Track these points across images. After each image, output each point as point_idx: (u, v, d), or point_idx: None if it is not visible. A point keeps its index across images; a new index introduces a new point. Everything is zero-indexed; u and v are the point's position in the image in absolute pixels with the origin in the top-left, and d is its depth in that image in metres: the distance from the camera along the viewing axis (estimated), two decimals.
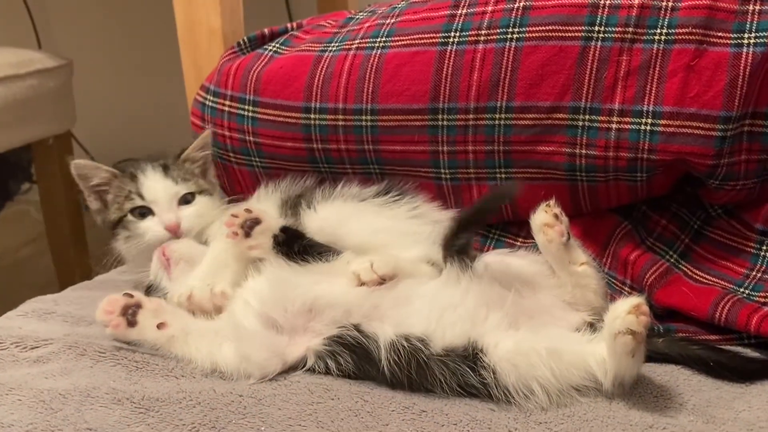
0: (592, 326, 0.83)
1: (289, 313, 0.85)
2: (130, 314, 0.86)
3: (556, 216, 0.84)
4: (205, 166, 1.07)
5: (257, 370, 0.82)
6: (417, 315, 0.82)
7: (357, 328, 0.82)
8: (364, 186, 1.00)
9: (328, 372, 0.83)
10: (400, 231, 0.93)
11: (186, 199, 1.01)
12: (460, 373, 0.78)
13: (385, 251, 0.88)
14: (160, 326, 0.85)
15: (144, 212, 1.00)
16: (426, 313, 0.82)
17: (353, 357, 0.82)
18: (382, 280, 0.84)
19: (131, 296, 0.87)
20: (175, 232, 0.98)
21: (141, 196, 1.00)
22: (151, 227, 0.99)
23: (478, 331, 0.81)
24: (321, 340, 0.83)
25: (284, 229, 0.89)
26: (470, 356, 0.79)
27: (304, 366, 0.84)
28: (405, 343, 0.80)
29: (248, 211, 0.89)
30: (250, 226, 0.88)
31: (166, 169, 1.02)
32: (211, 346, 0.85)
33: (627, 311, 0.73)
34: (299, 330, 0.85)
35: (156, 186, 1.00)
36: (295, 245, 0.88)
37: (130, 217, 1.00)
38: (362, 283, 0.83)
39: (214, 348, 0.84)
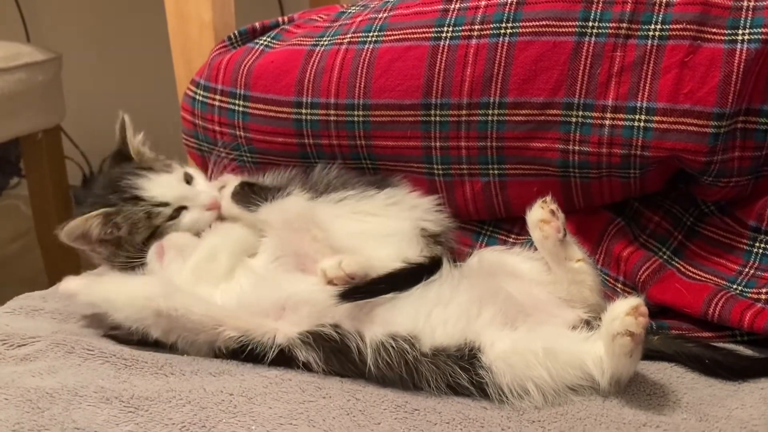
0: (588, 323, 0.83)
1: (260, 307, 0.85)
2: None
3: (552, 212, 0.84)
4: (146, 150, 1.03)
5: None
6: (403, 313, 0.81)
7: (336, 327, 0.81)
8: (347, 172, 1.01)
9: (307, 367, 0.83)
10: (374, 233, 0.93)
11: (186, 180, 0.98)
12: (450, 373, 0.78)
13: (359, 253, 0.87)
14: None
15: (174, 215, 0.94)
16: (413, 310, 0.81)
17: (329, 353, 0.81)
18: (351, 279, 0.82)
19: None
20: (218, 207, 0.95)
21: (164, 204, 0.94)
22: (197, 217, 0.94)
23: (474, 329, 0.80)
24: (298, 330, 0.83)
25: (241, 183, 0.95)
26: (466, 356, 0.78)
27: (271, 349, 0.83)
28: (392, 343, 0.79)
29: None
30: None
31: (146, 168, 0.97)
32: None
33: (626, 312, 0.72)
34: (270, 319, 0.85)
35: (163, 184, 0.95)
36: (247, 190, 0.93)
37: (165, 223, 0.94)
38: (330, 281, 0.83)
39: None
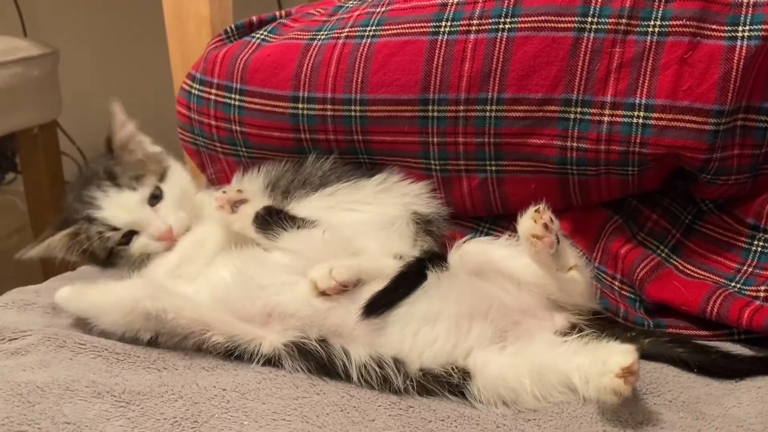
0: (579, 329, 0.81)
1: (248, 311, 0.84)
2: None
3: (545, 226, 0.78)
4: (140, 143, 1.00)
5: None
6: (389, 332, 0.79)
7: (322, 342, 0.80)
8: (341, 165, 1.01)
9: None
10: (365, 222, 0.92)
11: (155, 195, 0.94)
12: (438, 392, 0.77)
13: (350, 244, 0.87)
14: None
15: (128, 237, 0.92)
16: (399, 329, 0.79)
17: (316, 367, 0.80)
18: (344, 287, 0.81)
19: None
20: (172, 238, 0.92)
21: (114, 228, 0.91)
22: (145, 245, 0.92)
23: (463, 348, 0.79)
24: (283, 340, 0.82)
25: (266, 208, 0.90)
26: (455, 384, 0.77)
27: (258, 355, 0.82)
28: (377, 369, 0.78)
29: (240, 192, 0.91)
30: (236, 205, 0.90)
31: (112, 178, 0.93)
32: None
33: (615, 373, 0.70)
34: (256, 324, 0.84)
35: (118, 208, 0.91)
36: (272, 218, 0.88)
37: (117, 247, 0.93)
38: (321, 292, 0.81)
39: None
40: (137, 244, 0.93)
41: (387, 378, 0.78)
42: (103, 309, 0.85)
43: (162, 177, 0.97)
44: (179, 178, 0.99)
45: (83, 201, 0.93)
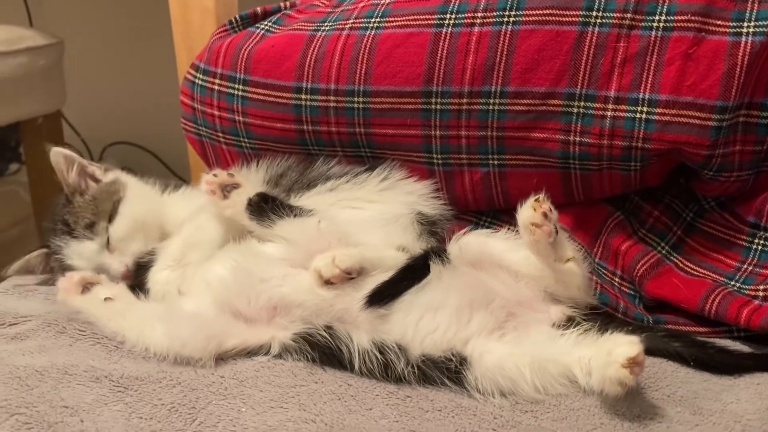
0: (576, 322, 0.81)
1: (252, 306, 0.83)
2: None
3: (545, 215, 0.79)
4: (86, 177, 1.02)
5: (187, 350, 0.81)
6: (392, 320, 0.80)
7: (329, 329, 0.80)
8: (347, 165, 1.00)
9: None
10: (369, 219, 0.92)
11: (109, 240, 0.97)
12: (438, 379, 0.77)
13: (348, 235, 0.86)
14: None
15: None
16: (402, 317, 0.80)
17: (322, 356, 0.81)
18: (348, 275, 0.81)
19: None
20: (129, 278, 0.95)
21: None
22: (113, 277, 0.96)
23: (462, 336, 0.79)
24: (290, 334, 0.82)
25: (260, 195, 0.89)
26: (453, 369, 0.77)
27: (267, 353, 0.82)
28: (378, 354, 0.78)
29: (231, 175, 0.90)
30: (228, 190, 0.89)
31: (68, 229, 0.97)
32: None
33: (621, 363, 0.70)
34: (263, 322, 0.83)
35: (80, 257, 0.96)
36: (266, 205, 0.87)
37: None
38: (326, 281, 0.81)
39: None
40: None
41: (389, 364, 0.78)
42: (133, 344, 0.83)
43: (114, 212, 0.98)
44: (131, 205, 0.99)
45: (50, 248, 0.99)
